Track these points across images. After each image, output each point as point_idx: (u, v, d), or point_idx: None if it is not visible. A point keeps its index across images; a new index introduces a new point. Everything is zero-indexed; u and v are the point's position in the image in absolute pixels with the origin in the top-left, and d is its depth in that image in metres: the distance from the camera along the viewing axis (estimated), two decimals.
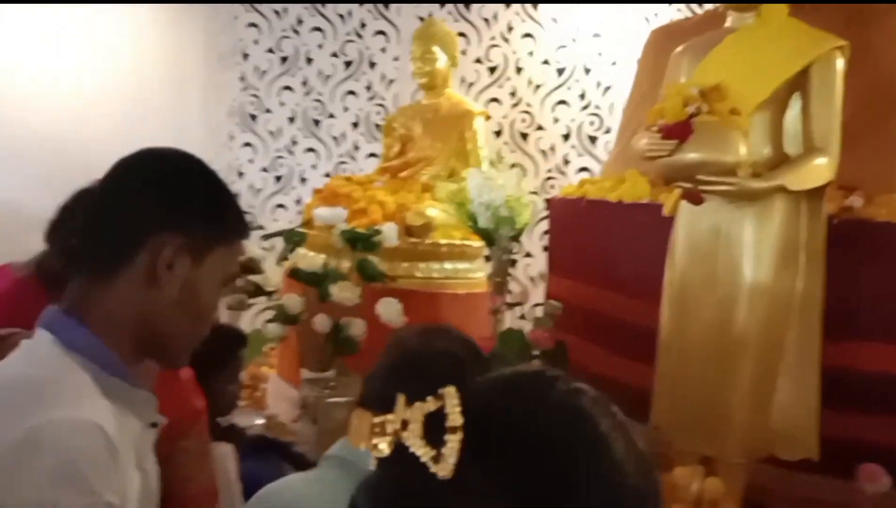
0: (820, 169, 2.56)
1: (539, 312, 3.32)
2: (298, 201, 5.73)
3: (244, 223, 1.30)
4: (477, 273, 4.57)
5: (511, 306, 3.33)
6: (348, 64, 5.80)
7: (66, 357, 1.13)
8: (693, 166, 2.53)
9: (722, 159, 2.51)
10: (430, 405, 0.69)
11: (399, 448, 0.68)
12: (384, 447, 0.69)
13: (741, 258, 2.61)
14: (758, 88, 2.60)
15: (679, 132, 2.49)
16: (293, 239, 3.96)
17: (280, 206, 5.85)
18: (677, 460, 2.72)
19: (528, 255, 5.50)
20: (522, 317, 4.93)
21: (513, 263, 4.19)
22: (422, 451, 0.67)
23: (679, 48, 2.92)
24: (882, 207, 2.81)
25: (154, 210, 1.18)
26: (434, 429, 0.67)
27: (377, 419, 0.70)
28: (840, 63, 2.63)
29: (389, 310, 3.70)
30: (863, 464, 2.25)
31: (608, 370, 3.44)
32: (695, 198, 2.59)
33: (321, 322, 3.62)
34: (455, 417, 0.67)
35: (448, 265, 4.51)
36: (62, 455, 1.01)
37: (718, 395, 2.63)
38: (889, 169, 2.97)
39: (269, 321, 3.84)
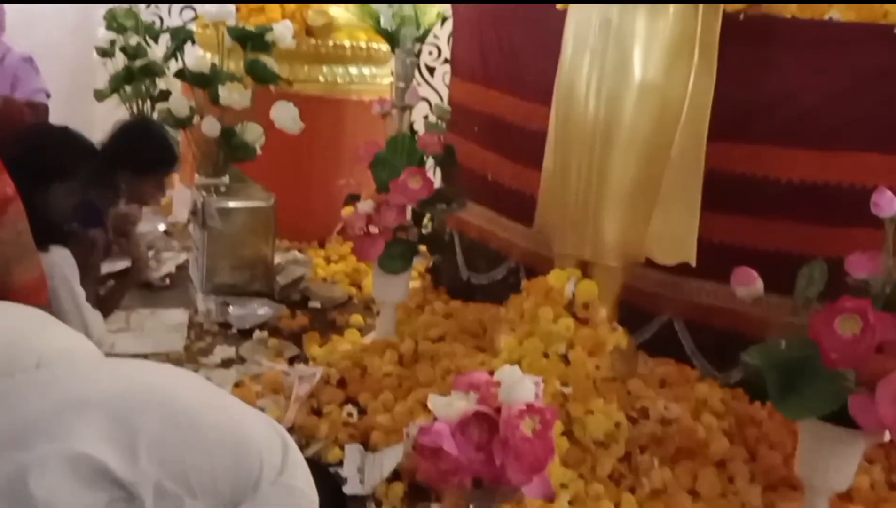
0: None
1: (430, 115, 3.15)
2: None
3: None
4: (385, 79, 4.37)
5: (403, 108, 3.14)
6: None
7: None
8: None
9: None
10: None
11: None
12: None
13: (631, 53, 2.44)
14: None
15: None
16: (179, 36, 3.69)
17: (188, 7, 5.49)
18: (557, 263, 2.64)
19: (447, 60, 5.26)
20: None
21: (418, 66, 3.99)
22: None
23: None
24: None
25: None
26: None
27: None
28: None
29: (284, 114, 3.51)
30: (736, 268, 2.17)
31: (503, 177, 3.33)
32: None
33: (209, 126, 3.43)
34: None
35: (353, 69, 4.30)
36: None
37: (599, 197, 2.52)
38: None
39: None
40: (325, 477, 1.81)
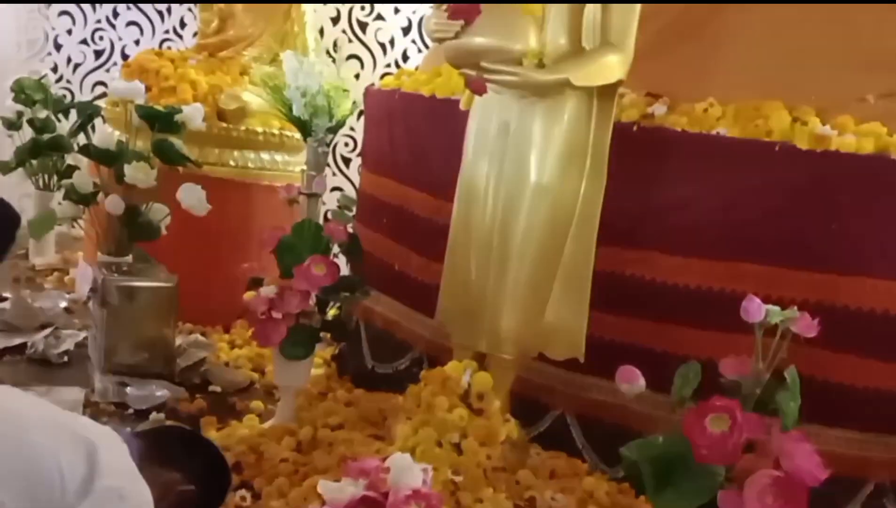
0: (610, 66, 2.49)
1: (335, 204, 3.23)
2: None
3: None
4: (297, 166, 4.42)
5: (309, 195, 3.21)
6: None
7: None
8: (477, 52, 2.43)
9: (507, 46, 2.42)
10: None
11: None
12: None
13: (528, 157, 2.57)
14: None
15: (465, 13, 2.39)
16: (86, 112, 3.71)
17: (100, 83, 5.51)
18: (455, 354, 2.72)
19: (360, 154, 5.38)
20: None
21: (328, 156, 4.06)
22: None
23: None
24: (683, 115, 2.80)
25: None
26: None
27: None
28: None
29: (190, 196, 3.53)
30: (621, 366, 2.28)
31: (410, 269, 3.41)
32: (478, 87, 2.51)
33: (113, 204, 3.43)
34: None
35: (265, 155, 4.36)
36: None
37: (494, 293, 2.62)
38: (701, 76, 2.93)
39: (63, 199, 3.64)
40: (201, 445, 1.88)
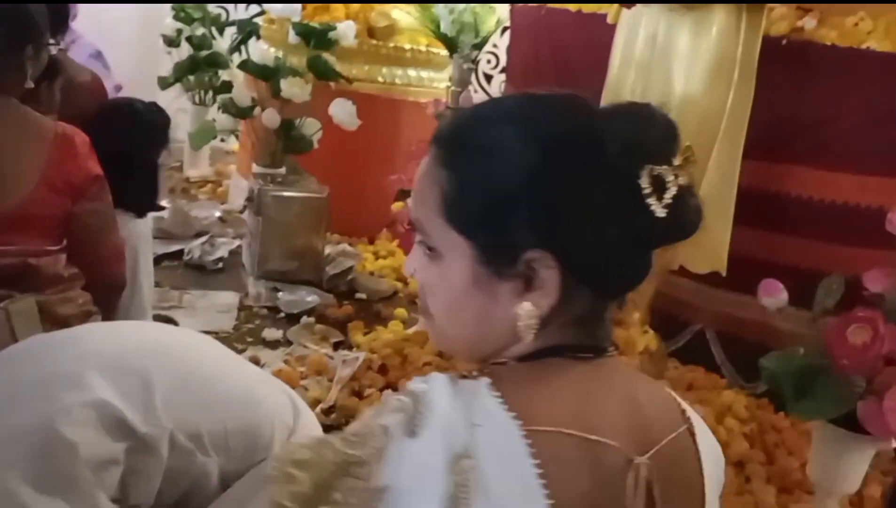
0: None
1: None
2: None
3: None
4: (442, 83, 4.50)
5: (455, 110, 3.28)
6: None
7: None
8: None
9: None
10: None
11: None
12: None
13: (674, 69, 2.56)
14: None
15: None
16: (246, 29, 3.86)
17: (255, 2, 5.67)
18: None
19: (504, 70, 5.39)
20: None
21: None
22: None
23: None
24: (833, 29, 2.72)
25: None
26: None
27: None
28: None
29: (342, 111, 3.66)
30: (764, 280, 2.27)
31: None
32: None
33: (269, 117, 3.60)
34: None
35: (412, 72, 4.45)
36: None
37: None
38: None
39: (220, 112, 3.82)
40: None
